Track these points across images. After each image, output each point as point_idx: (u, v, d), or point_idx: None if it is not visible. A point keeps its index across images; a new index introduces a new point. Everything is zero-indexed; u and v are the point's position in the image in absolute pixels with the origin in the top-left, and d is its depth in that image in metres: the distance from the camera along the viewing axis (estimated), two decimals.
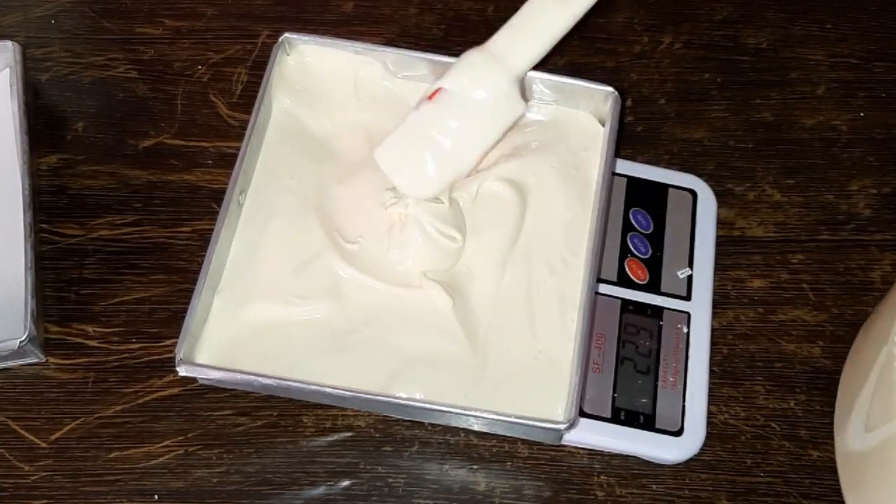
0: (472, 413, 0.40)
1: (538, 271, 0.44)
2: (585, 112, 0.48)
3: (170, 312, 0.46)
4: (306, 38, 0.48)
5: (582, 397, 0.42)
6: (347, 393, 0.40)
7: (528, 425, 0.39)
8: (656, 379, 0.43)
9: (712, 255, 0.47)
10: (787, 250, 0.49)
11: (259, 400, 0.44)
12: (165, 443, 0.43)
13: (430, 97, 0.43)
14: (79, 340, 0.46)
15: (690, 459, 0.43)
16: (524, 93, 0.45)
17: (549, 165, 0.46)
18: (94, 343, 0.46)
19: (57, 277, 0.47)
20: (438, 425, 0.44)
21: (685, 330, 0.45)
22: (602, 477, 0.43)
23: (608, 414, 0.42)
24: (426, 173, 0.43)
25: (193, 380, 0.42)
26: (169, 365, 0.43)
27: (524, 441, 0.44)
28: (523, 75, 0.44)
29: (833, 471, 0.43)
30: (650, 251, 0.47)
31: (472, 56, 0.43)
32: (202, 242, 0.46)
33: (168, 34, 0.55)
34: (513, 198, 0.46)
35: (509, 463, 0.43)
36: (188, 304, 0.41)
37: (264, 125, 0.47)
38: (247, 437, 0.43)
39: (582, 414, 0.42)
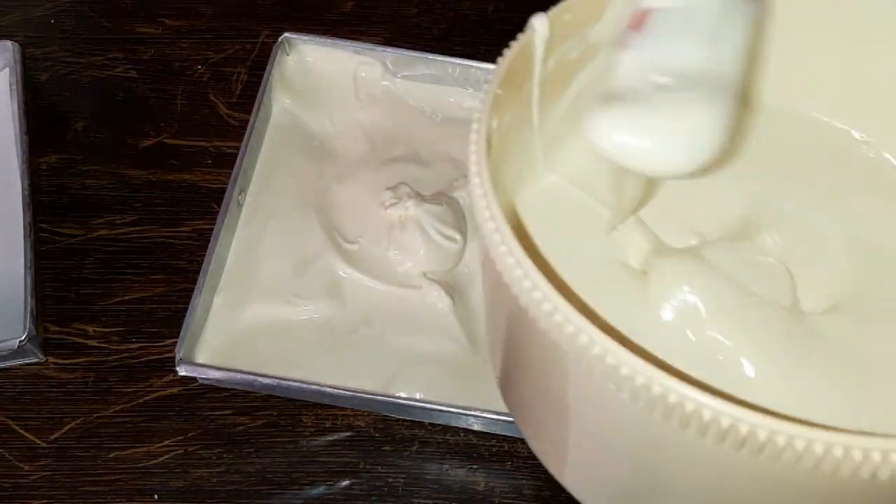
0: (472, 413, 0.40)
1: None
2: None
3: (170, 312, 0.46)
4: (306, 38, 0.48)
5: None
6: (347, 393, 0.40)
7: None
8: None
9: None
10: None
11: (259, 400, 0.44)
12: (165, 442, 0.43)
13: (636, 25, 0.29)
14: (78, 340, 0.46)
15: None
16: None
17: None
18: (93, 343, 0.46)
19: (56, 277, 0.47)
20: (438, 425, 0.44)
21: None
22: None
23: None
24: (690, 127, 0.27)
25: (193, 380, 0.42)
26: (169, 365, 0.43)
27: (524, 441, 0.44)
28: None
29: None
30: None
31: None
32: (202, 242, 0.46)
33: (168, 34, 0.55)
34: None
35: (509, 463, 0.43)
36: (188, 304, 0.41)
37: (264, 125, 0.47)
38: (247, 436, 0.43)
39: None
